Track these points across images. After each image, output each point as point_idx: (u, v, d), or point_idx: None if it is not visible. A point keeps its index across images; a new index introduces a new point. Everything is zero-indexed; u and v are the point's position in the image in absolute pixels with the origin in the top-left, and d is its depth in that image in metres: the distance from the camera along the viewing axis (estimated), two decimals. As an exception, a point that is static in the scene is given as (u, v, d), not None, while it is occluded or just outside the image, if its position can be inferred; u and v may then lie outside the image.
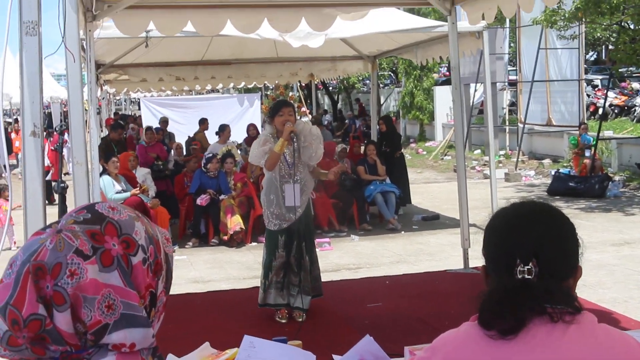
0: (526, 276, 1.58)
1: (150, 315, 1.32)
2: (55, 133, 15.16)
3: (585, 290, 7.25)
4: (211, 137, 14.70)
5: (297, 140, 6.27)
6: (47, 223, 3.73)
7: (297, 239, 6.31)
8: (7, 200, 10.94)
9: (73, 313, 1.21)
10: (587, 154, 15.47)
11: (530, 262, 1.59)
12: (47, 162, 15.20)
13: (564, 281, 1.63)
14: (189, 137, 15.38)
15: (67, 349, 1.23)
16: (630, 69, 21.57)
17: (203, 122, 15.95)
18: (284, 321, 6.35)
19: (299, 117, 6.37)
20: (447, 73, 31.95)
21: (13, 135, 21.46)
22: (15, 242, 10.70)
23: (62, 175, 6.12)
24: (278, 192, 6.27)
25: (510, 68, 25.99)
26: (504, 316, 1.54)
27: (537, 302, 1.55)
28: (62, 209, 4.98)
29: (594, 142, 15.58)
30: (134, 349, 1.25)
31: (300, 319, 6.32)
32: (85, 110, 5.71)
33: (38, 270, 1.20)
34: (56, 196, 5.02)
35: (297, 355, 2.48)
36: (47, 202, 4.03)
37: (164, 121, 17.19)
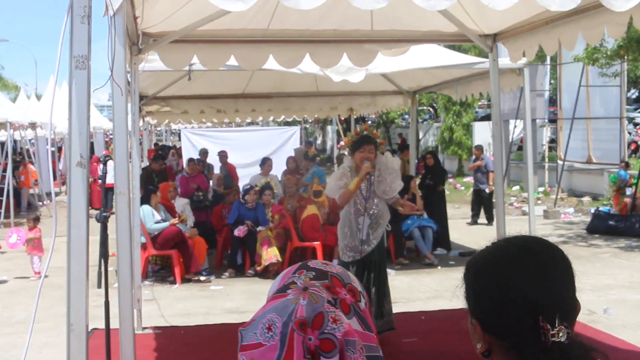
0: (559, 339, 1.30)
1: None
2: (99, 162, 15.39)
3: (625, 331, 7.13)
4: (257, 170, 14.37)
5: (373, 174, 6.39)
6: (89, 253, 3.66)
7: (371, 271, 6.37)
8: (37, 229, 10.89)
9: (340, 358, 1.31)
10: (628, 192, 15.27)
11: (557, 321, 1.31)
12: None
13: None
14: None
15: None
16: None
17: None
18: None
19: (380, 153, 6.52)
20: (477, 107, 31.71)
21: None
22: (36, 273, 10.64)
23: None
24: (352, 225, 6.39)
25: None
26: None
27: None
28: (104, 238, 5.06)
29: (635, 181, 15.38)
30: None
31: None
32: None
33: (302, 325, 1.31)
34: (98, 225, 5.10)
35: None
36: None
37: (204, 152, 17.34)
